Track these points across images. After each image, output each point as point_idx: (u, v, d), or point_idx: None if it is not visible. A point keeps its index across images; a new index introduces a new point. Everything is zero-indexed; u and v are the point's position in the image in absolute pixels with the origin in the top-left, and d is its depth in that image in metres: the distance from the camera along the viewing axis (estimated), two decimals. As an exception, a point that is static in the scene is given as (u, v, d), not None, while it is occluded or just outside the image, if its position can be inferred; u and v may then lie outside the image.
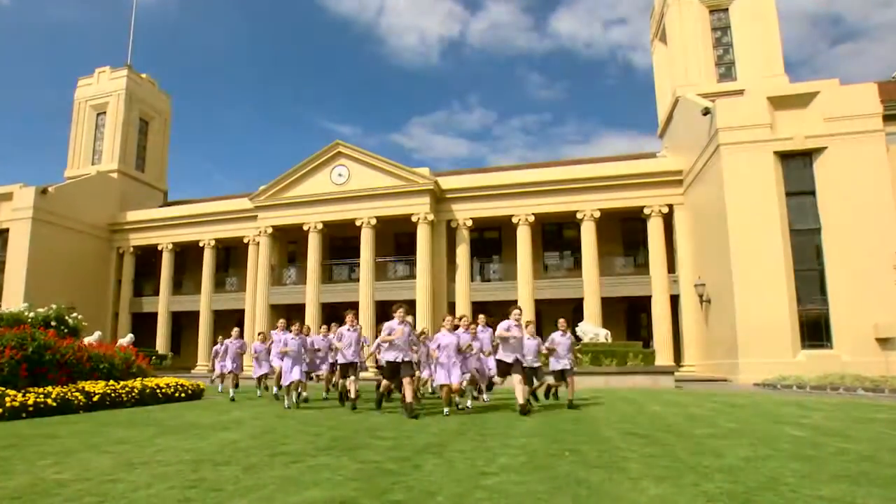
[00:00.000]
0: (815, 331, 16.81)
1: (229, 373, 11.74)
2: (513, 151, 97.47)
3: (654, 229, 22.24)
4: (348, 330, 8.67)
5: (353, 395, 8.47)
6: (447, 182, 24.44)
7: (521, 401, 7.49)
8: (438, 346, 7.81)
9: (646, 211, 22.38)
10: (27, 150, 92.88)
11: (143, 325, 28.63)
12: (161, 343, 27.37)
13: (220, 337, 14.19)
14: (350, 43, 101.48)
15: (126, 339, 16.38)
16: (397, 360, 7.66)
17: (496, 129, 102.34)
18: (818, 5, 79.35)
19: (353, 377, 8.64)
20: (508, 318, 7.93)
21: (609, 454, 4.43)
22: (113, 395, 9.00)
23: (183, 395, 10.60)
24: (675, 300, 21.95)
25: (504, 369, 7.94)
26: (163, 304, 27.90)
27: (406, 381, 7.58)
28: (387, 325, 7.95)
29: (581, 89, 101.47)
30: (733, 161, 17.87)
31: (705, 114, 18.98)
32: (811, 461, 4.17)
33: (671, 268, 22.26)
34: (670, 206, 22.27)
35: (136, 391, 9.53)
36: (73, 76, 44.43)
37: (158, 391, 10.09)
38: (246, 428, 6.33)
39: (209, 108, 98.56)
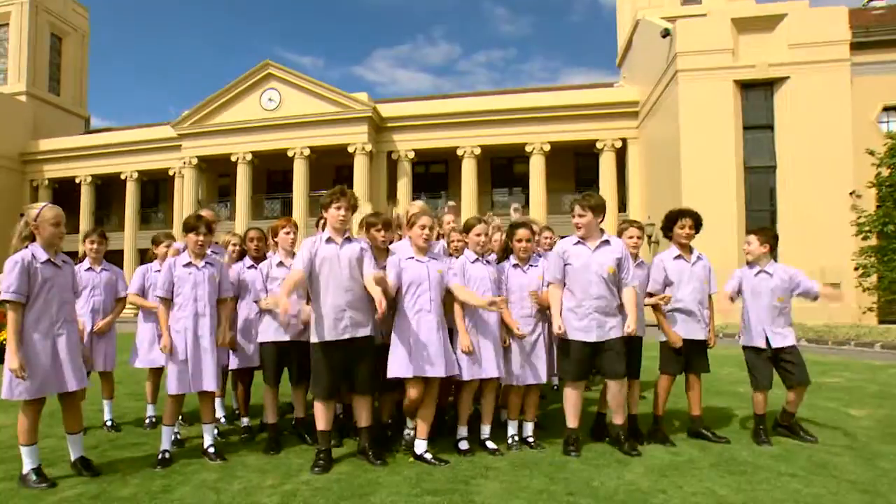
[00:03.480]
0: (761, 274, 16.05)
1: None
2: (478, 88, 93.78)
3: (607, 165, 20.91)
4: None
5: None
6: (388, 109, 22.37)
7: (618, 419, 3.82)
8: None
9: (598, 145, 20.94)
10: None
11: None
12: (82, 283, 25.34)
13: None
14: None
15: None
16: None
17: (461, 63, 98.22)
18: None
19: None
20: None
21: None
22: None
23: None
24: (623, 241, 20.97)
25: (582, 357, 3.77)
26: (80, 242, 25.57)
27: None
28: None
29: (547, 24, 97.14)
30: (691, 90, 16.39)
31: (664, 35, 17.28)
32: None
33: (623, 206, 21.15)
34: (624, 141, 20.87)
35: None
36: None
37: None
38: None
39: (156, 32, 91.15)
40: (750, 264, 4.28)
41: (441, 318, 3.67)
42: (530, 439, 3.89)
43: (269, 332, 4.02)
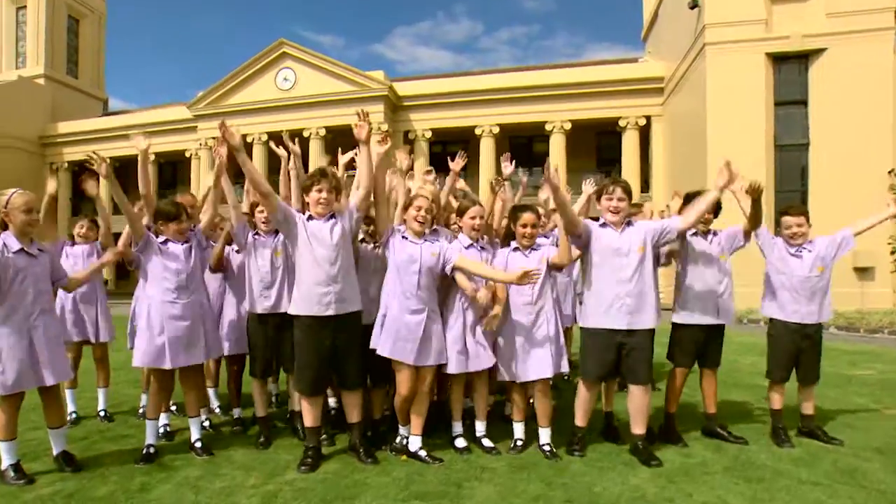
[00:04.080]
0: (790, 258, 15.40)
1: None
2: (500, 65, 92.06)
3: (630, 144, 20.24)
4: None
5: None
6: (404, 88, 21.94)
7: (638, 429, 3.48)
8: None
9: (621, 123, 20.25)
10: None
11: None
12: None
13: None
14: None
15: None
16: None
17: (483, 40, 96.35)
18: None
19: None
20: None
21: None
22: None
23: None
24: (645, 222, 20.42)
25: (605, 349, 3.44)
26: (102, 225, 25.91)
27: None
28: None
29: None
30: (720, 64, 15.60)
31: (692, 7, 16.43)
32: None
33: (645, 186, 20.52)
34: (648, 119, 20.14)
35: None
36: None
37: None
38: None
39: (175, 10, 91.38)
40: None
41: (430, 305, 3.42)
42: (546, 448, 3.50)
43: (251, 303, 3.73)
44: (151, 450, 3.46)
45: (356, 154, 3.75)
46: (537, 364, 3.47)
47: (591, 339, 3.48)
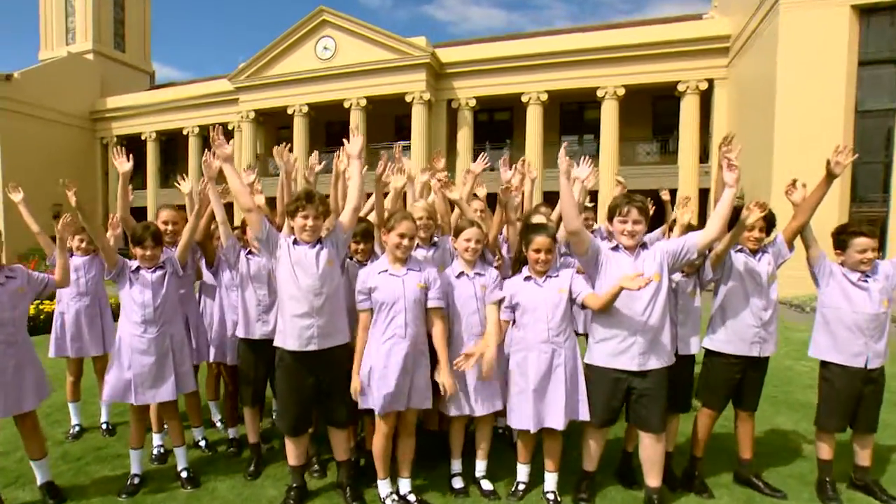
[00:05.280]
0: (868, 237, 13.99)
1: None
2: (555, 24, 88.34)
3: (689, 110, 18.76)
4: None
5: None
6: (447, 55, 20.96)
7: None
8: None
9: (680, 87, 18.74)
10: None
11: (136, 219, 27.45)
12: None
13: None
14: None
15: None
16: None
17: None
18: None
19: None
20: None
21: None
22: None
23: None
24: (704, 195, 19.08)
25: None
26: (151, 199, 26.40)
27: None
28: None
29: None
30: (795, 19, 14.02)
31: (766, -44, 14.79)
32: None
33: (704, 156, 19.14)
34: (710, 82, 18.56)
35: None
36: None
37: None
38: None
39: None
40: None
41: (418, 345, 2.96)
42: (550, 496, 3.07)
43: (246, 327, 3.42)
44: (136, 480, 3.27)
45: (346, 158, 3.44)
46: (549, 412, 2.97)
47: (596, 378, 2.95)
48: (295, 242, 2.97)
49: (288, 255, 2.93)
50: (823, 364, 3.19)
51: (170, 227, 3.83)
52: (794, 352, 7.01)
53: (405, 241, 2.95)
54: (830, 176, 2.99)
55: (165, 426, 3.80)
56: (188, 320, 3.70)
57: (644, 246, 2.93)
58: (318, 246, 2.97)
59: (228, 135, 3.60)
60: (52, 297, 4.08)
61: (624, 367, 2.84)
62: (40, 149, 25.24)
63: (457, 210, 3.59)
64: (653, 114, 21.01)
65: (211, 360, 3.88)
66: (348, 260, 3.33)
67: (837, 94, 13.76)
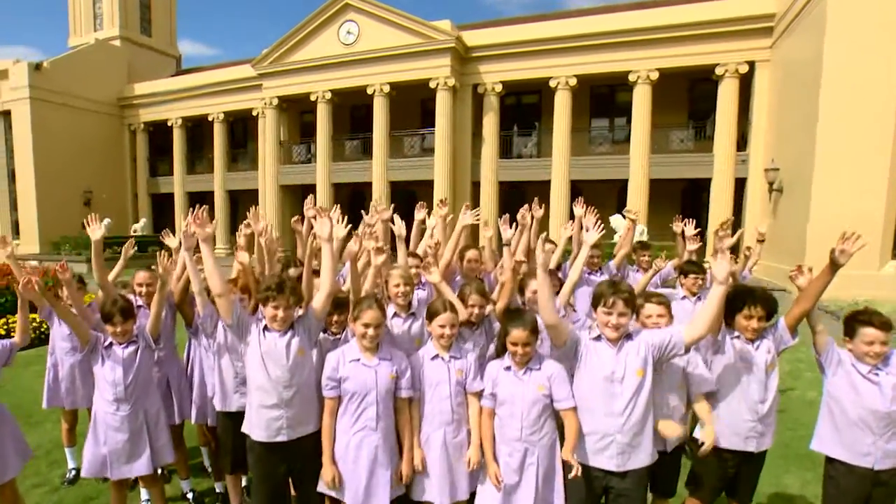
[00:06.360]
0: (916, 236, 13.03)
1: None
2: (582, 6, 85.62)
3: (727, 94, 17.80)
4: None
5: None
6: (472, 38, 20.32)
7: None
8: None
9: (718, 71, 17.77)
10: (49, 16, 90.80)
11: (164, 206, 27.85)
12: (178, 226, 26.57)
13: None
14: None
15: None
16: None
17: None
18: None
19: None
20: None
21: None
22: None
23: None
24: (741, 185, 18.19)
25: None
26: (178, 185, 26.63)
27: None
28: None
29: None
30: (847, -3, 13.00)
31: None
32: None
33: (742, 144, 18.21)
34: (751, 65, 17.54)
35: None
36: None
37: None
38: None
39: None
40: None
41: (388, 438, 2.84)
42: None
43: (223, 400, 3.29)
44: None
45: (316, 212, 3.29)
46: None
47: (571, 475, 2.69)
48: (266, 329, 2.84)
49: (258, 343, 2.82)
50: (829, 460, 2.86)
51: (144, 290, 3.78)
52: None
53: (370, 332, 2.77)
54: (834, 265, 2.67)
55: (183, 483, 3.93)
56: (169, 382, 3.63)
57: (629, 336, 2.69)
58: (289, 333, 2.85)
59: (211, 214, 3.49)
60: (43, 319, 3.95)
61: (601, 466, 2.66)
62: (72, 137, 25.60)
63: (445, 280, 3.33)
64: (689, 98, 20.07)
65: (194, 422, 3.77)
66: (322, 333, 3.13)
67: (892, 78, 12.77)
